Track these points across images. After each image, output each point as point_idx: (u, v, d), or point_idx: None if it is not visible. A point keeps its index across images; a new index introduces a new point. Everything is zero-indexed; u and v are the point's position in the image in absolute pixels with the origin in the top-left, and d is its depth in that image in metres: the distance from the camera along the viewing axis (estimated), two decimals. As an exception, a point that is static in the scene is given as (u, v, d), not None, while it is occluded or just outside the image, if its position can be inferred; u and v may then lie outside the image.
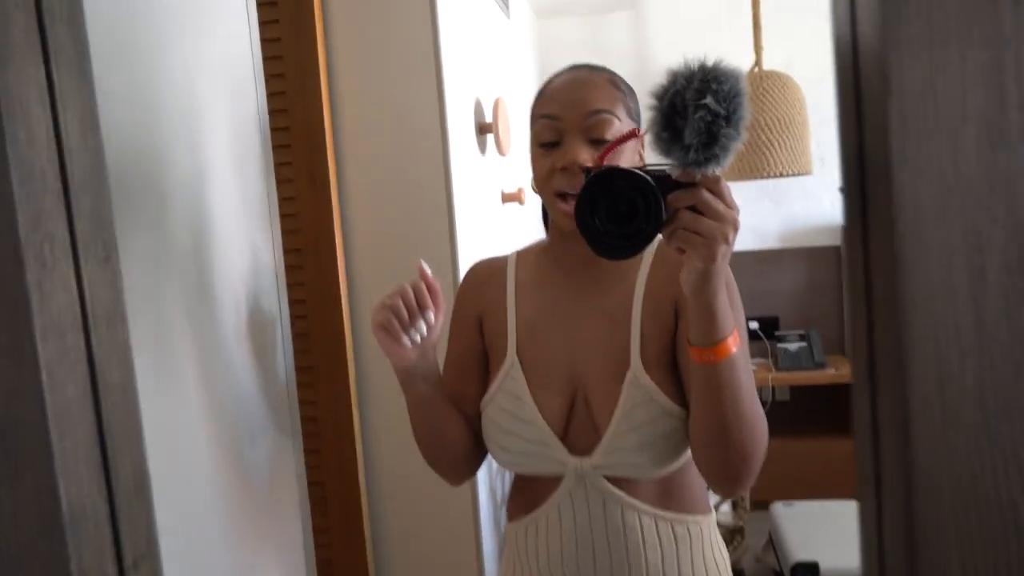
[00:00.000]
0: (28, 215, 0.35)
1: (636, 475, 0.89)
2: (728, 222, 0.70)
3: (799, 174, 2.91)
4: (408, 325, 0.90)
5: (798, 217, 3.40)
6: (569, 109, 0.90)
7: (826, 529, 2.38)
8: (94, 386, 0.37)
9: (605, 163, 0.87)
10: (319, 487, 1.59)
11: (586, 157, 0.88)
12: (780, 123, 2.80)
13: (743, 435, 0.80)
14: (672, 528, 0.91)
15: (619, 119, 0.91)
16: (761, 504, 2.74)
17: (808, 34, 3.29)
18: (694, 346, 0.79)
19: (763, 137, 2.84)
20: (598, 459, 0.89)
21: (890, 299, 0.25)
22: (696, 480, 0.95)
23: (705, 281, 0.73)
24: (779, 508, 2.60)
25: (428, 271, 0.92)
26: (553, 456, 0.91)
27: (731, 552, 1.93)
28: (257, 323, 0.96)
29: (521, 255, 1.04)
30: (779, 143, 2.80)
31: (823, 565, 2.17)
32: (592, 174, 0.74)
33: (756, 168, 2.92)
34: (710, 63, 0.68)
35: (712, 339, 0.77)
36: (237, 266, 0.92)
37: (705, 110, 0.67)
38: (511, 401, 0.93)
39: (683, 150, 0.68)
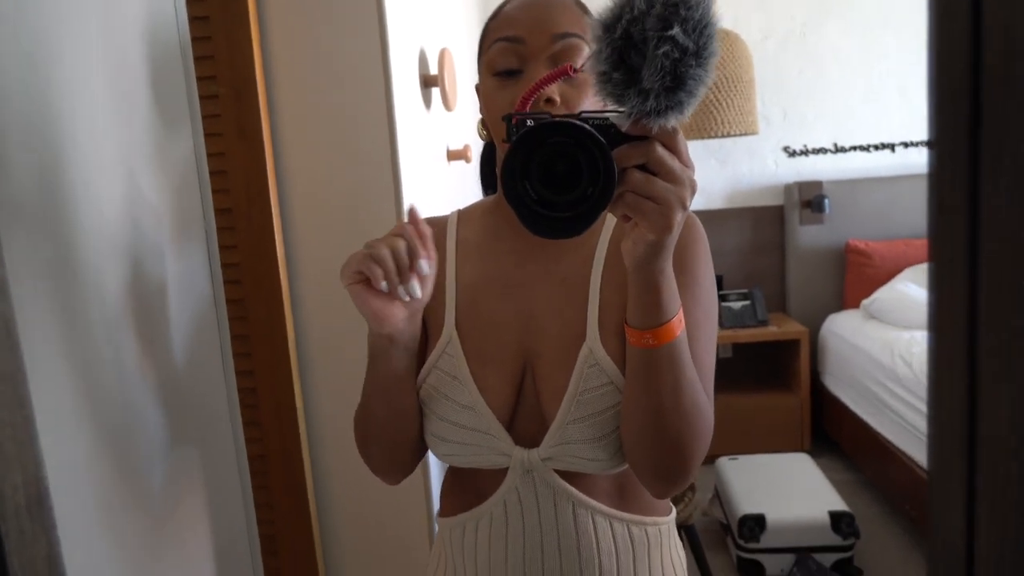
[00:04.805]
0: None
1: (589, 470, 0.79)
2: (685, 184, 0.59)
3: (745, 134, 2.90)
4: (398, 279, 0.70)
5: (743, 177, 3.42)
6: (533, 31, 0.76)
7: (770, 482, 2.45)
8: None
9: (530, 108, 0.70)
10: (260, 461, 1.51)
11: (554, 89, 0.75)
12: (728, 82, 2.77)
13: (680, 429, 0.71)
14: (629, 530, 0.82)
15: (589, 48, 0.79)
16: (706, 459, 2.80)
17: (754, -9, 3.26)
18: (631, 327, 0.69)
19: (711, 96, 2.81)
20: (546, 451, 0.78)
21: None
22: None
23: (654, 255, 0.62)
24: (724, 463, 2.66)
25: (420, 216, 0.72)
26: (496, 447, 0.79)
27: (682, 510, 1.95)
28: (185, 291, 0.87)
29: (463, 215, 0.90)
30: (727, 102, 2.79)
31: (769, 516, 2.23)
32: (521, 128, 0.59)
33: (703, 127, 2.90)
34: None
35: (654, 320, 0.67)
36: (156, 229, 0.82)
37: (670, 44, 0.55)
38: (447, 382, 0.80)
39: (640, 95, 0.56)
